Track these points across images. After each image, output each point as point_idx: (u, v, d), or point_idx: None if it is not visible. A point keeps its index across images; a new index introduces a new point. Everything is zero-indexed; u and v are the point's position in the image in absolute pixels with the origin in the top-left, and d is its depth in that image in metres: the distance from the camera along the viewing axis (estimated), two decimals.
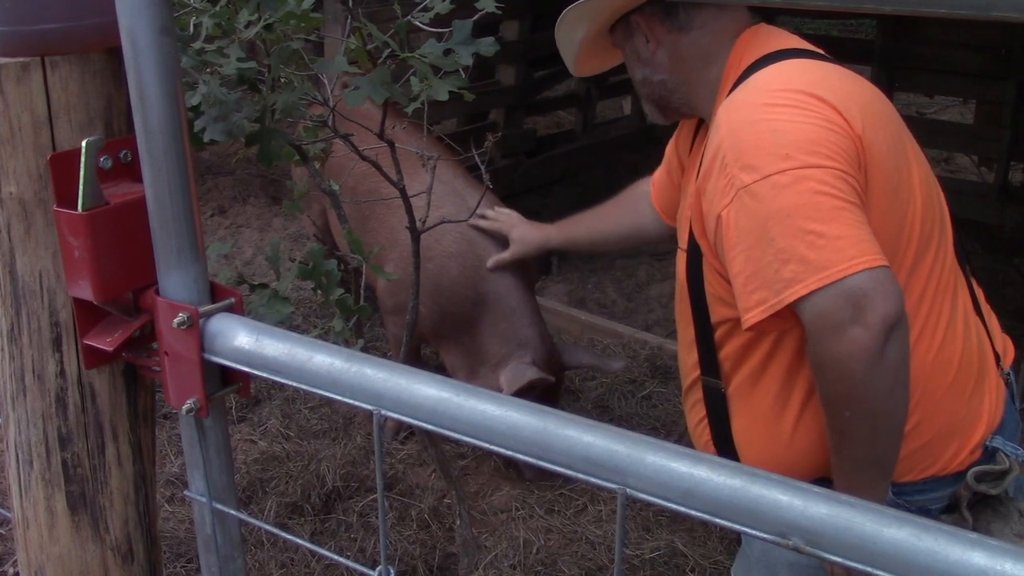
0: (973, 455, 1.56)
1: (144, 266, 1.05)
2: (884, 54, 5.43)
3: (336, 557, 1.00)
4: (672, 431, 3.25)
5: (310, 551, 2.60)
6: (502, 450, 0.85)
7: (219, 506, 1.10)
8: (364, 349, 2.54)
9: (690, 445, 3.20)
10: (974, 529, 1.51)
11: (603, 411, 3.40)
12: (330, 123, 2.07)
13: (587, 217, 2.37)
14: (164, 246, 1.02)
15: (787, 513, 0.73)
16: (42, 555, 1.16)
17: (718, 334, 1.63)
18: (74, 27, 1.02)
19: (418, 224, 2.27)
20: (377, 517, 2.75)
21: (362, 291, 1.79)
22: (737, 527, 0.75)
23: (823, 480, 1.53)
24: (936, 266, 1.55)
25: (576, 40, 1.79)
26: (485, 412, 0.86)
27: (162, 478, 2.91)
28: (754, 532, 0.74)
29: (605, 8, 1.68)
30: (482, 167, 2.24)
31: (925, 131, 5.71)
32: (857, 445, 1.43)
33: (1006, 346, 1.71)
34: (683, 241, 1.66)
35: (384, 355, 3.21)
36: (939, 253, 1.56)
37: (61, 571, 1.16)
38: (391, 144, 2.18)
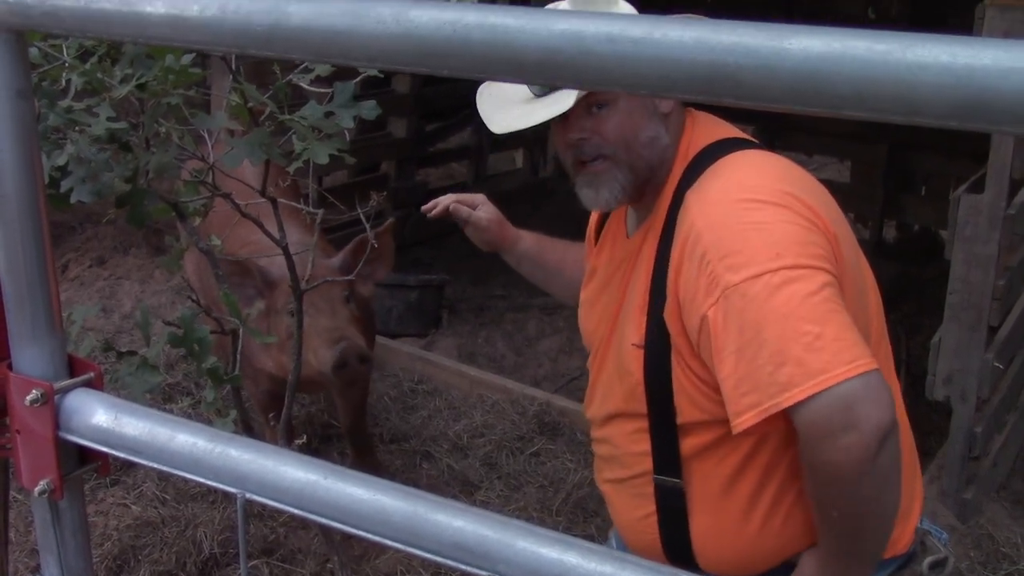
0: (913, 536, 1.57)
1: None
2: (765, 113, 5.63)
3: None
4: (560, 488, 3.24)
5: None
6: (371, 536, 0.82)
7: None
8: (243, 418, 2.47)
9: (580, 511, 3.14)
10: None
11: (491, 468, 3.37)
12: (209, 179, 2.02)
13: (558, 245, 2.05)
14: (17, 318, 0.97)
15: None
16: None
17: (683, 432, 1.53)
18: None
19: (302, 284, 2.23)
20: None
21: (238, 356, 1.74)
22: None
23: (785, 564, 1.52)
24: (884, 349, 1.56)
25: (555, 109, 1.50)
26: (353, 496, 0.84)
27: (28, 547, 2.76)
28: None
29: None
30: (367, 224, 2.22)
31: None
32: (843, 540, 1.42)
33: None
34: (636, 337, 1.55)
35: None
36: (885, 335, 1.58)
37: None
38: (274, 201, 2.14)
